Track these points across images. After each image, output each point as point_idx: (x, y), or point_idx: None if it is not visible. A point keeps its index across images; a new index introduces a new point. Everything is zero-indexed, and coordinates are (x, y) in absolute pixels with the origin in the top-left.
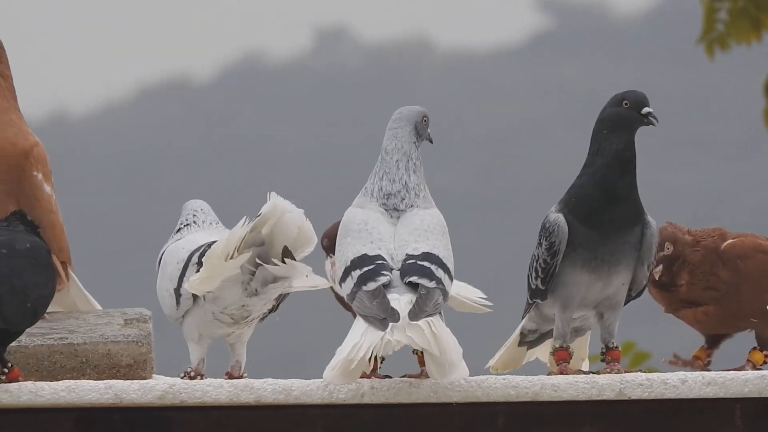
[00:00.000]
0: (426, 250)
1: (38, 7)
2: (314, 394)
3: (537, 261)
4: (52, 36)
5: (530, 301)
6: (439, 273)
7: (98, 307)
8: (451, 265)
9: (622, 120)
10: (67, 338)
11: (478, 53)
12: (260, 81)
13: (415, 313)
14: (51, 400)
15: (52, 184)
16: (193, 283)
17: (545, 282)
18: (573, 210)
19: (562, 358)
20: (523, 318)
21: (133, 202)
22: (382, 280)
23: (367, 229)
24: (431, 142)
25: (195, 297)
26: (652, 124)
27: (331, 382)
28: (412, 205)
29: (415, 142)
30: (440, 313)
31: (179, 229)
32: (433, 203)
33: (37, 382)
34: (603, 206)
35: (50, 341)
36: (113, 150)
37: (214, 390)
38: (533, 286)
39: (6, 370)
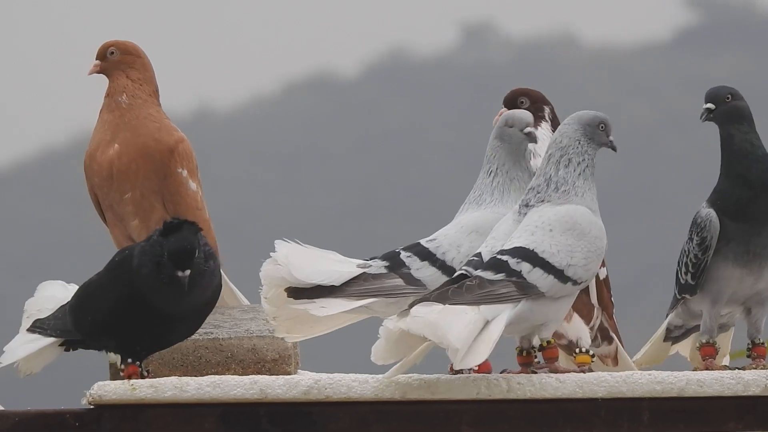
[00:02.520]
0: (520, 245)
1: (186, 5)
2: (459, 389)
3: (687, 256)
4: (200, 33)
5: (678, 297)
6: (522, 266)
7: (245, 302)
8: (555, 260)
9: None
10: (212, 333)
11: (623, 49)
12: (406, 77)
13: (442, 299)
14: (196, 396)
15: (199, 181)
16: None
17: (695, 277)
18: (723, 205)
19: (709, 354)
20: (669, 314)
21: (280, 196)
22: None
23: (492, 227)
24: (613, 149)
25: None
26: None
27: (375, 360)
28: (543, 200)
29: (579, 140)
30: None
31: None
32: (578, 199)
33: (182, 378)
34: (752, 199)
35: (195, 336)
36: (259, 145)
37: (359, 385)
38: (683, 281)
39: (122, 369)
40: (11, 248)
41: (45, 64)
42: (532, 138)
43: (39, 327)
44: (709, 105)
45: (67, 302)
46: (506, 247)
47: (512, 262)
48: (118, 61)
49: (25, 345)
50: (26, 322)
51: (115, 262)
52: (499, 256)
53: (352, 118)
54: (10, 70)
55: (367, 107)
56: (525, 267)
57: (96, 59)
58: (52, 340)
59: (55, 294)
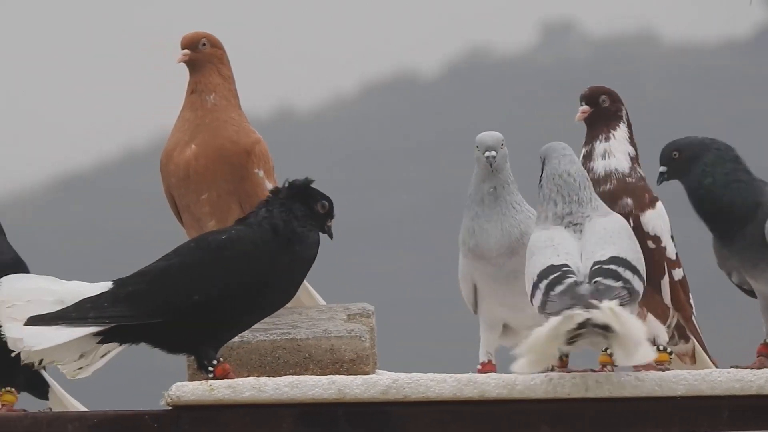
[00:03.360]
0: (613, 254)
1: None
2: (538, 388)
3: None
4: (280, 33)
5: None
6: (627, 274)
7: (322, 302)
8: (640, 267)
9: None
10: (290, 333)
11: (705, 47)
12: (487, 76)
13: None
14: (274, 396)
15: (275, 181)
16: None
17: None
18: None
19: (762, 353)
20: None
21: (359, 197)
22: (569, 281)
23: (553, 245)
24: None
25: None
26: None
27: (521, 372)
28: (589, 216)
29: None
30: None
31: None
32: (609, 210)
33: (260, 378)
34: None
35: (273, 336)
36: (339, 146)
37: (438, 385)
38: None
39: (213, 366)
40: (91, 249)
41: (126, 64)
42: (489, 161)
43: (73, 317)
44: (661, 169)
45: (117, 290)
46: (602, 258)
47: (620, 270)
48: (210, 54)
49: (56, 333)
50: (16, 312)
51: (220, 243)
52: (605, 266)
53: (432, 118)
54: (91, 71)
55: (448, 106)
56: (628, 275)
57: (184, 48)
58: (91, 329)
59: (48, 287)
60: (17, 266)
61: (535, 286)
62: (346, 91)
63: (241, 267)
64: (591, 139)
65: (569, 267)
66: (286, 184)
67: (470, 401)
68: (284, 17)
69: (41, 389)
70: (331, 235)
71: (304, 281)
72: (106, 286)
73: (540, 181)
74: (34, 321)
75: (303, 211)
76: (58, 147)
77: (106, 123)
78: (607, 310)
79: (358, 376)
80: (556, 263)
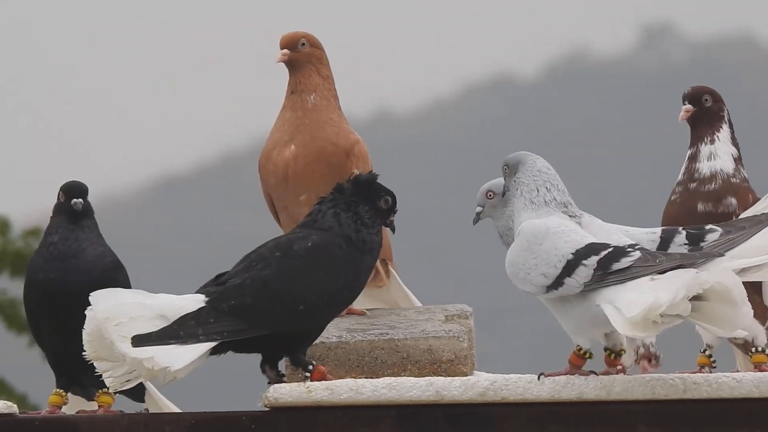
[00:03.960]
0: (636, 244)
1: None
2: (636, 390)
3: None
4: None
5: None
6: None
7: (418, 303)
8: None
9: None
10: (387, 334)
11: None
12: (585, 78)
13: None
14: (372, 398)
15: None
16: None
17: None
18: None
19: None
20: None
21: (457, 199)
22: (636, 253)
23: (571, 229)
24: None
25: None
26: None
27: (626, 334)
28: (582, 214)
29: None
30: None
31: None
32: None
33: (358, 379)
34: None
35: (371, 337)
36: (438, 147)
37: (536, 386)
38: None
39: (309, 371)
40: (188, 251)
41: (226, 66)
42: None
43: (182, 336)
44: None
45: (217, 304)
46: (627, 243)
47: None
48: (309, 54)
49: (185, 354)
50: (124, 329)
51: (311, 250)
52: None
53: (531, 120)
54: (190, 74)
55: (547, 109)
56: None
57: (283, 48)
58: (209, 345)
59: (143, 301)
60: (116, 269)
61: (573, 265)
62: (445, 93)
63: (337, 271)
64: (696, 140)
65: (618, 245)
66: (350, 180)
67: (568, 402)
68: (384, 20)
69: (137, 391)
70: (393, 230)
71: (401, 284)
72: (198, 299)
73: (513, 183)
74: (140, 340)
75: (367, 209)
76: (157, 149)
77: (206, 125)
78: (733, 279)
79: (456, 378)
80: (597, 241)
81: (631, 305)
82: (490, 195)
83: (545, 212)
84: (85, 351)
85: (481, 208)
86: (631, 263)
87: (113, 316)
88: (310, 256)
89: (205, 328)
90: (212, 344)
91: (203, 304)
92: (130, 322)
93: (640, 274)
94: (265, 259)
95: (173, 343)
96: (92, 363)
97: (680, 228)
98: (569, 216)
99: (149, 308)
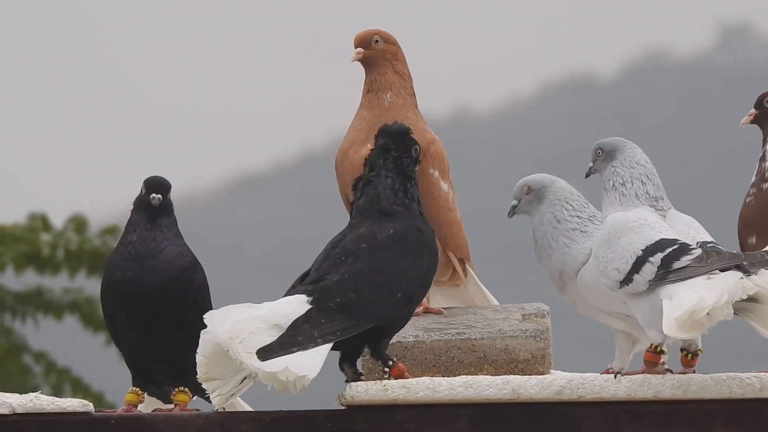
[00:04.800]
0: (714, 241)
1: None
2: (711, 389)
3: None
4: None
5: None
6: None
7: (495, 302)
8: None
9: None
10: (464, 333)
11: None
12: (664, 78)
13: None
14: (448, 396)
15: (450, 181)
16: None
17: None
18: None
19: None
20: None
21: None
22: (696, 252)
23: (649, 224)
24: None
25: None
26: None
27: (670, 336)
28: (671, 207)
29: None
30: None
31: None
32: None
33: (435, 378)
34: None
35: (448, 336)
36: (516, 147)
37: (612, 385)
38: None
39: (389, 366)
40: (265, 249)
41: (303, 66)
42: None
43: (301, 341)
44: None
45: (321, 303)
46: (707, 239)
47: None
48: (384, 51)
49: (312, 359)
50: (249, 345)
51: (398, 238)
52: (718, 246)
53: (610, 119)
54: (268, 73)
55: (626, 108)
56: None
57: (357, 47)
58: (327, 347)
59: (254, 314)
60: (194, 268)
61: (641, 262)
62: (523, 92)
63: (422, 254)
64: (765, 141)
65: (685, 241)
66: (386, 141)
67: (644, 401)
68: (463, 20)
69: None
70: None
71: (478, 282)
72: (300, 300)
73: (608, 171)
74: (265, 353)
75: (413, 180)
76: (234, 148)
77: (283, 124)
78: None
79: (533, 377)
80: (667, 237)
81: (678, 305)
82: (527, 190)
83: (632, 205)
84: (198, 374)
85: (517, 202)
86: (689, 263)
87: (236, 335)
88: (396, 244)
89: (320, 330)
90: (330, 345)
91: (309, 306)
92: (251, 337)
93: (695, 274)
94: (352, 253)
95: (296, 351)
96: (169, 361)
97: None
98: (656, 210)
99: (262, 320)
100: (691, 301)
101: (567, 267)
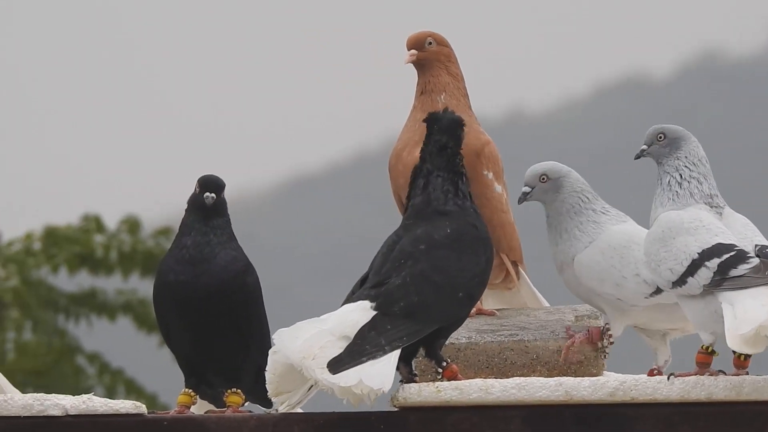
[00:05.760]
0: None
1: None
2: (766, 390)
3: None
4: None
5: None
6: None
7: (546, 304)
8: None
9: None
10: (517, 335)
11: None
12: (719, 78)
13: None
14: (501, 398)
15: (504, 183)
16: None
17: None
18: None
19: None
20: None
21: None
22: (754, 260)
23: (704, 226)
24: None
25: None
26: None
27: (738, 350)
28: (725, 205)
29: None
30: None
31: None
32: None
33: (487, 379)
34: None
35: (501, 338)
36: (569, 147)
37: (665, 387)
38: None
39: (443, 367)
40: (320, 250)
41: (358, 68)
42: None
43: (369, 351)
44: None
45: (386, 308)
46: (763, 243)
47: None
48: (437, 52)
49: (384, 368)
50: (321, 361)
51: (455, 232)
52: None
53: (664, 120)
54: (322, 75)
55: (680, 109)
56: None
57: (410, 49)
58: (396, 352)
59: (321, 327)
60: (247, 272)
61: (696, 265)
62: (577, 92)
63: (479, 251)
64: None
65: (742, 248)
66: (440, 132)
67: (697, 403)
68: (516, 20)
69: (266, 394)
70: None
71: (530, 284)
72: (364, 306)
73: (670, 162)
74: (335, 366)
75: (463, 182)
76: (290, 150)
77: (338, 126)
78: None
79: (586, 378)
80: (724, 241)
81: (744, 321)
82: (543, 179)
83: (686, 204)
84: (268, 391)
85: (530, 189)
86: (746, 272)
87: (308, 353)
88: (453, 243)
89: (387, 337)
90: (398, 351)
91: (373, 312)
92: (322, 352)
93: (752, 285)
94: (411, 255)
95: (366, 360)
96: (221, 363)
97: None
98: (711, 207)
99: (330, 333)
100: (757, 318)
101: (568, 256)
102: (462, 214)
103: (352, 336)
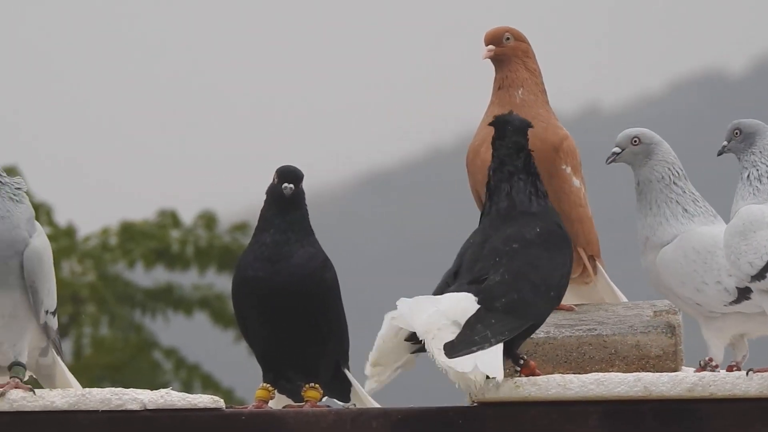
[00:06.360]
0: None
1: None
2: None
3: None
4: (584, 31)
5: None
6: None
7: (624, 299)
8: None
9: None
10: (596, 330)
11: None
12: None
13: None
14: (579, 393)
15: (582, 178)
16: None
17: None
18: None
19: None
20: None
21: None
22: None
23: None
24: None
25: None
26: None
27: None
28: None
29: None
30: None
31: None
32: None
33: (566, 375)
34: None
35: (579, 332)
36: None
37: (744, 382)
38: None
39: (520, 365)
40: (395, 246)
41: (434, 62)
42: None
43: (477, 341)
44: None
45: (489, 303)
46: None
47: None
48: (514, 48)
49: (494, 359)
50: (438, 342)
51: (544, 231)
52: None
53: (739, 115)
54: (397, 70)
55: (756, 105)
56: None
57: (488, 44)
58: (500, 345)
59: (437, 308)
60: (325, 268)
61: None
62: (652, 88)
63: (565, 250)
64: None
65: None
66: (512, 137)
67: None
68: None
69: (344, 390)
70: None
71: (608, 279)
72: (469, 299)
73: (747, 157)
74: (449, 349)
75: (540, 182)
76: (364, 145)
77: (413, 120)
78: None
79: (664, 374)
80: None
81: None
82: (635, 141)
83: (767, 198)
84: (370, 356)
85: (620, 150)
86: None
87: (428, 329)
88: (544, 242)
89: (492, 330)
90: (501, 345)
91: (477, 306)
92: (439, 334)
93: None
94: (506, 253)
95: (475, 350)
96: (300, 357)
97: None
98: None
99: (444, 315)
100: None
101: (655, 237)
102: (546, 214)
103: (461, 323)
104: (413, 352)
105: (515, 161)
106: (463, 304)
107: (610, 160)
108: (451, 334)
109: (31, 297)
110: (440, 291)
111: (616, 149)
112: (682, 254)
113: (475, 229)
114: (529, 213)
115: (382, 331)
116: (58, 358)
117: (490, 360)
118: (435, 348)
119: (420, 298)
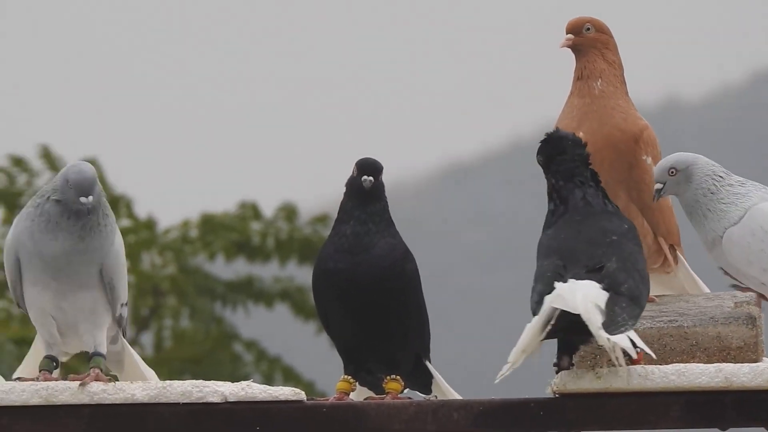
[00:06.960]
0: None
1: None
2: None
3: None
4: (669, 22)
5: None
6: None
7: (706, 290)
8: None
9: None
10: (676, 321)
11: None
12: None
13: None
14: (660, 384)
15: None
16: None
17: None
18: None
19: None
20: None
21: None
22: None
23: None
24: None
25: None
26: None
27: None
28: None
29: None
30: None
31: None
32: None
33: (647, 366)
34: None
35: (660, 324)
36: (726, 136)
37: None
38: None
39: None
40: (475, 237)
41: (513, 53)
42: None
43: (621, 323)
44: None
45: (616, 291)
46: None
47: None
48: (594, 39)
49: (637, 341)
50: (597, 322)
51: (631, 227)
52: None
53: None
54: (479, 61)
55: None
56: None
57: (568, 33)
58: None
59: (584, 291)
60: (405, 259)
61: None
62: (734, 79)
63: (641, 248)
64: None
65: None
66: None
67: None
68: (672, 7)
69: (425, 381)
70: None
71: (690, 270)
72: (595, 285)
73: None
74: (607, 330)
75: (605, 193)
76: (444, 136)
77: (492, 111)
78: None
79: (745, 364)
80: None
81: None
82: (672, 172)
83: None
84: (522, 340)
85: (662, 185)
86: None
87: (588, 308)
88: (633, 238)
89: (627, 313)
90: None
91: (605, 292)
92: (594, 316)
93: None
94: (608, 244)
95: (623, 331)
96: (381, 349)
97: None
98: None
99: (592, 300)
100: None
101: (719, 230)
102: (622, 215)
103: (603, 307)
104: (543, 339)
105: (584, 172)
106: (595, 290)
107: (656, 198)
108: (600, 317)
109: (110, 293)
110: (550, 284)
111: (658, 185)
112: (749, 233)
113: (554, 228)
114: (608, 212)
115: (540, 314)
116: (127, 344)
117: (636, 340)
118: (594, 327)
119: (565, 284)
